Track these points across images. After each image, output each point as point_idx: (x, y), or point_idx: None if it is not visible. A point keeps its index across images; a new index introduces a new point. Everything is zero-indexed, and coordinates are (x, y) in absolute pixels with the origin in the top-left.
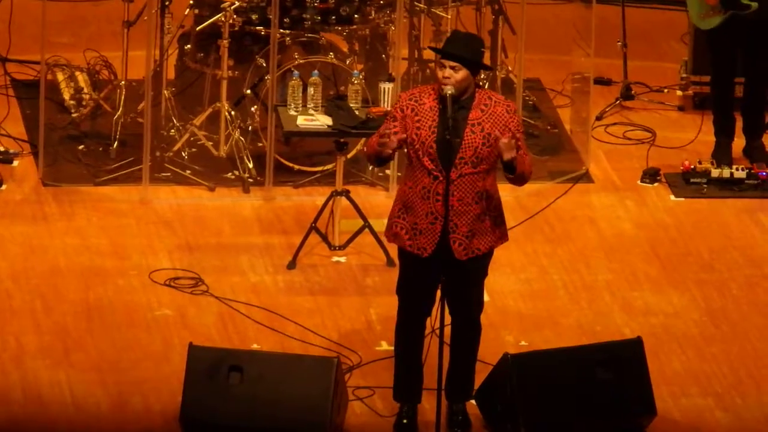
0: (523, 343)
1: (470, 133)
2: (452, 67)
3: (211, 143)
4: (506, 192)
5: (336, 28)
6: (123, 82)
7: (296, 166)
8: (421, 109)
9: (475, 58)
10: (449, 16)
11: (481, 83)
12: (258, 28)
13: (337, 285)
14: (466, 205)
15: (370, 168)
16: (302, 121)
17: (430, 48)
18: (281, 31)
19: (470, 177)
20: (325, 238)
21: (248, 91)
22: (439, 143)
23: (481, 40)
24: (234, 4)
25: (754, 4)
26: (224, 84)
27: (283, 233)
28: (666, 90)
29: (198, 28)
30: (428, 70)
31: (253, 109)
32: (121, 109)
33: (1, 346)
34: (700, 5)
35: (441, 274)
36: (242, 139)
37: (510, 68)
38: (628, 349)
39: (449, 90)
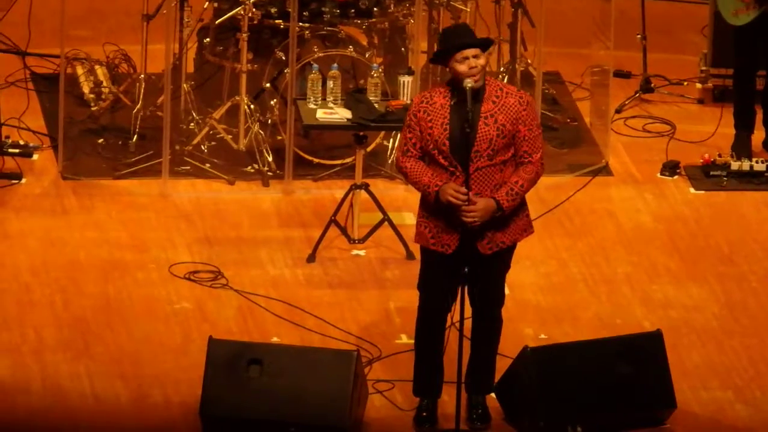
0: (542, 336)
1: (484, 125)
2: (475, 56)
3: (230, 137)
4: None
5: (355, 21)
6: (142, 76)
7: (315, 160)
8: (433, 108)
9: (486, 41)
10: (468, 9)
11: (500, 76)
12: (277, 21)
13: (356, 278)
14: None
15: (390, 161)
16: (321, 115)
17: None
18: (300, 24)
19: (487, 170)
20: (344, 231)
21: (267, 85)
22: (452, 139)
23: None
24: None
25: None
26: (243, 77)
27: (302, 227)
28: (685, 83)
29: (217, 22)
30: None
31: (272, 102)
32: (140, 102)
33: (21, 339)
34: (734, 1)
35: (463, 268)
36: (261, 132)
37: (529, 61)
38: (647, 342)
39: (469, 83)
